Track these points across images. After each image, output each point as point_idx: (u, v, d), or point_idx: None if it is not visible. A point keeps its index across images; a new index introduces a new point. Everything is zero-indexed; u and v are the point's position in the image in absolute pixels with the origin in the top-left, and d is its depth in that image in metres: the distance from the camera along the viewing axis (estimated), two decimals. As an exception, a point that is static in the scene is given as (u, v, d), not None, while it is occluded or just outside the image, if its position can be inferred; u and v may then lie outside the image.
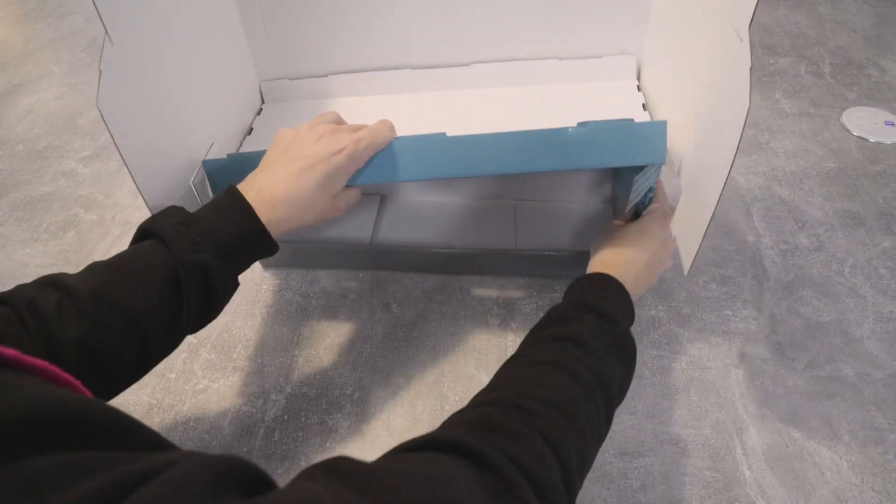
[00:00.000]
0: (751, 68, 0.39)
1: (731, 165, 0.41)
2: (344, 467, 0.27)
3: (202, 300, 0.44)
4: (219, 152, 0.60)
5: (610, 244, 0.54)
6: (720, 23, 0.44)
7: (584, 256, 0.56)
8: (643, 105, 0.63)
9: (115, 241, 0.77)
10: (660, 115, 0.61)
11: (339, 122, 0.53)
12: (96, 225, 0.79)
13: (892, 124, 0.87)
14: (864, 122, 0.87)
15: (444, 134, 0.51)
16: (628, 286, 0.49)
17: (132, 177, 0.46)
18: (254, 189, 0.47)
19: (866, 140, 0.85)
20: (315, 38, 0.67)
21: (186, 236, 0.43)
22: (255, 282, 0.70)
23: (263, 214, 0.46)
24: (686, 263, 0.53)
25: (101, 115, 0.43)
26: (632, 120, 0.49)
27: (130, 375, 0.43)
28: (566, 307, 0.47)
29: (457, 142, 0.52)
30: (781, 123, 0.88)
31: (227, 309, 0.66)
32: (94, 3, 0.42)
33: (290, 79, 0.71)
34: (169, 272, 0.42)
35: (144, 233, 0.44)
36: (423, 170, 0.55)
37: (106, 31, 0.43)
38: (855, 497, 0.50)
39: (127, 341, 0.40)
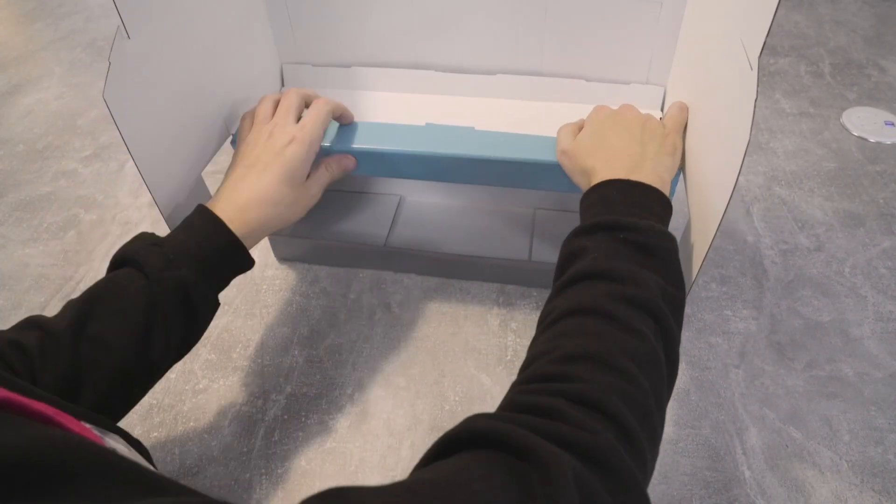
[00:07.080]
0: (756, 100, 0.36)
1: (730, 198, 0.38)
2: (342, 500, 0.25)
3: (184, 320, 0.44)
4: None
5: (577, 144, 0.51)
6: (733, 50, 0.42)
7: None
8: None
9: (115, 241, 0.77)
10: None
11: (305, 97, 0.54)
12: (96, 225, 0.79)
13: (892, 124, 0.87)
14: (864, 122, 0.87)
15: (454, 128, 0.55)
16: (624, 172, 0.44)
17: (139, 171, 0.46)
18: (220, 202, 0.48)
19: (866, 140, 0.85)
20: (342, 26, 0.66)
21: (159, 255, 0.43)
22: (255, 282, 0.70)
23: (235, 223, 0.46)
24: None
25: (108, 107, 0.42)
26: None
27: (117, 410, 0.42)
28: (573, 239, 0.42)
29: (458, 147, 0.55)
30: (781, 123, 0.88)
31: (227, 309, 0.67)
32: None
33: (314, 65, 0.70)
34: (146, 296, 0.41)
35: (118, 262, 0.44)
36: (419, 170, 0.57)
37: (122, 21, 0.43)
38: (855, 497, 0.50)
39: (107, 375, 0.40)
